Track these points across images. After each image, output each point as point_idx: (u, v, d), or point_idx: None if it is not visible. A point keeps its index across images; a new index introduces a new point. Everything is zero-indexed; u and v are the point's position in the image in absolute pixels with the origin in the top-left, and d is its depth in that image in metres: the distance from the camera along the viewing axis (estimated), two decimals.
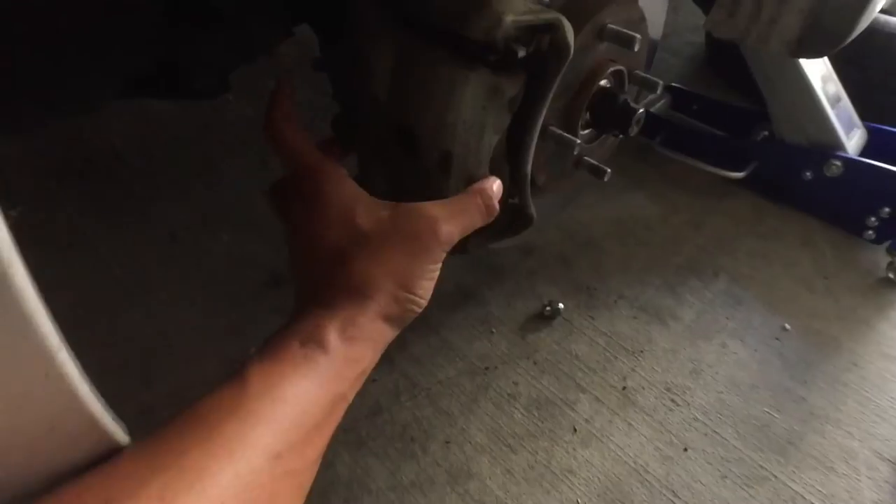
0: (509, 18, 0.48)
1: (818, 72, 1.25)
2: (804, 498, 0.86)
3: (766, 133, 1.35)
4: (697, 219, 1.29)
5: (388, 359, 0.96)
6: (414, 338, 1.00)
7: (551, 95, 0.53)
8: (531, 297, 1.08)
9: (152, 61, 0.75)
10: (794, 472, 0.88)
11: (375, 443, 0.87)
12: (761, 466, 0.89)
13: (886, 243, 1.20)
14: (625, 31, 0.58)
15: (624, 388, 0.97)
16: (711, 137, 1.46)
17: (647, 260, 1.18)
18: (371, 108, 0.54)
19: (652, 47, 0.80)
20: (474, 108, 0.50)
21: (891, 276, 1.18)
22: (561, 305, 1.05)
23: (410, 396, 0.93)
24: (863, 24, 0.97)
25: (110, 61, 0.71)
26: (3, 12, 0.49)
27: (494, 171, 0.55)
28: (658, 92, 0.69)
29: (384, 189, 0.56)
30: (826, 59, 1.28)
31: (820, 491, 0.86)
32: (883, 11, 1.63)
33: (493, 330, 1.03)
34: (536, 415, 0.92)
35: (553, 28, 0.49)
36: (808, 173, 1.27)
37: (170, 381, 0.92)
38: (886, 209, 1.20)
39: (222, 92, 0.81)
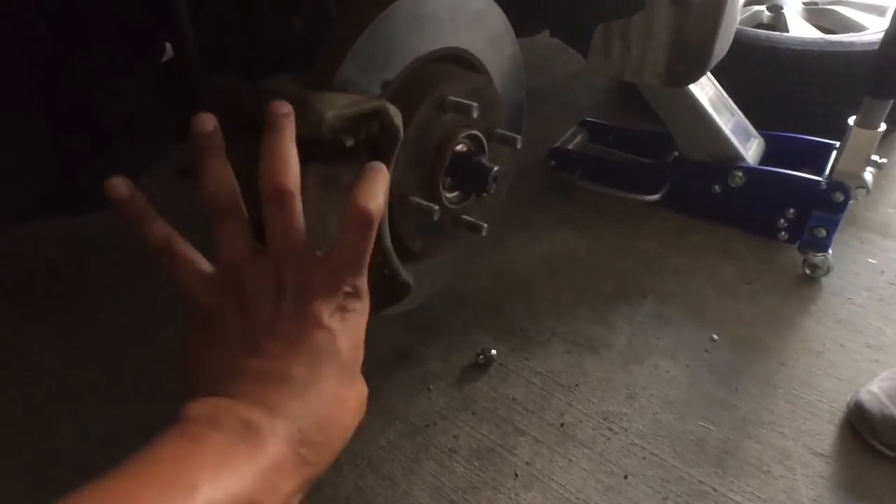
0: (331, 114, 0.52)
1: (707, 92, 1.33)
2: None
3: (677, 153, 1.42)
4: (623, 245, 1.34)
5: None
6: None
7: (391, 175, 0.57)
8: (467, 347, 1.11)
9: (48, 184, 0.79)
10: (732, 482, 0.90)
11: None
12: (701, 482, 0.90)
13: (798, 242, 1.25)
14: (463, 101, 0.64)
15: (562, 424, 0.99)
16: (626, 165, 1.53)
17: (576, 293, 1.22)
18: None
19: (517, 103, 0.86)
20: (314, 199, 0.54)
21: (807, 272, 1.23)
22: (494, 352, 1.08)
23: (352, 467, 0.94)
24: (720, 51, 1.05)
25: (2, 189, 0.75)
26: None
27: None
28: (518, 146, 0.74)
29: None
30: (712, 78, 1.37)
31: (759, 497, 0.88)
32: (766, 27, 1.75)
33: (431, 386, 1.05)
34: (478, 465, 0.93)
35: (379, 115, 0.54)
36: (716, 187, 1.34)
37: None
38: (791, 210, 1.26)
39: None
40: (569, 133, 1.61)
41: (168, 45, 0.81)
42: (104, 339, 1.14)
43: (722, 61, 1.10)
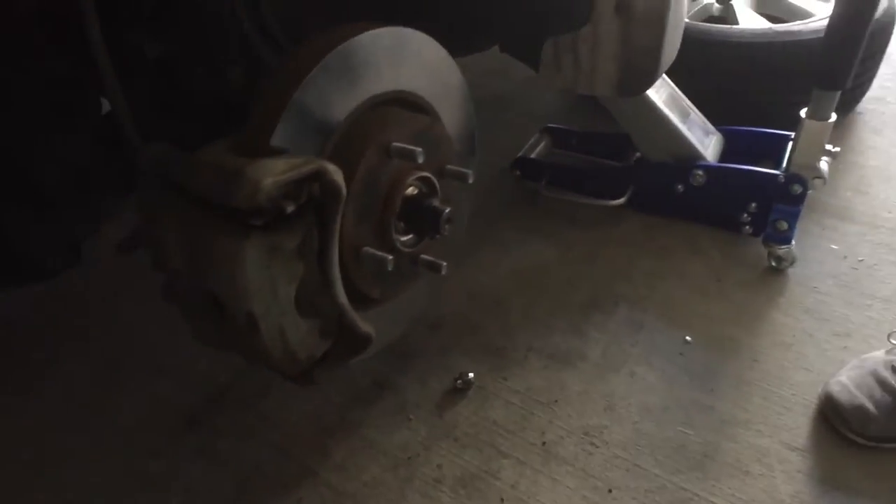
0: (268, 181, 0.52)
1: (662, 94, 1.34)
2: None
3: (639, 155, 1.43)
4: (593, 252, 1.35)
5: (312, 472, 0.97)
6: (334, 443, 1.01)
7: (336, 232, 0.57)
8: (444, 372, 1.11)
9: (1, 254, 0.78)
10: (713, 485, 0.91)
11: None
12: (683, 488, 0.91)
13: (762, 235, 1.27)
14: (407, 147, 0.63)
15: (544, 443, 0.99)
16: (590, 170, 1.54)
17: (549, 305, 1.23)
18: (177, 278, 0.58)
19: (469, 133, 0.86)
20: (259, 269, 0.54)
21: (773, 264, 1.25)
22: (471, 375, 1.08)
23: None
24: (669, 56, 1.07)
25: None
26: None
27: (309, 309, 0.59)
28: (470, 181, 0.74)
29: (218, 344, 0.59)
30: (667, 78, 1.38)
31: (740, 498, 0.90)
32: (716, 20, 1.77)
33: (411, 416, 1.05)
34: (463, 493, 0.93)
35: (319, 176, 0.54)
36: (679, 186, 1.35)
37: None
38: (753, 204, 1.28)
39: (76, 262, 0.84)
40: (532, 140, 1.61)
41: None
42: (66, 397, 1.12)
43: (675, 58, 1.11)
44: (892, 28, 1.57)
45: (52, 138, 0.72)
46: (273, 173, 0.52)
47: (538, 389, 1.07)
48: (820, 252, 1.29)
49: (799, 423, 0.98)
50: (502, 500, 0.92)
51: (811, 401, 1.01)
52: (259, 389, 1.10)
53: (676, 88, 1.39)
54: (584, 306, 1.23)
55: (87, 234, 0.82)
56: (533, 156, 1.56)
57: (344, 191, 0.55)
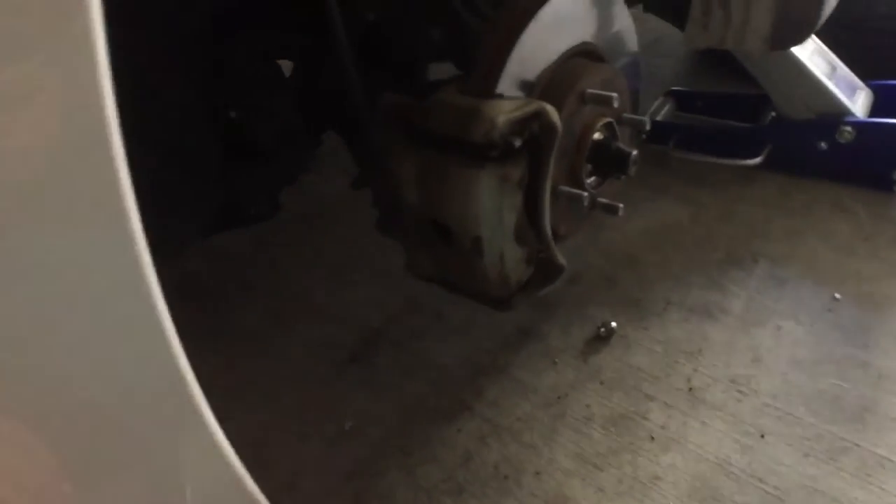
0: (501, 119, 0.58)
1: (807, 48, 1.31)
2: (892, 461, 0.89)
3: (774, 114, 1.40)
4: (726, 211, 1.34)
5: (468, 407, 1.05)
6: (487, 383, 1.09)
7: (551, 167, 0.63)
8: (585, 321, 1.16)
9: (219, 200, 0.90)
10: (875, 436, 0.91)
11: (473, 486, 0.96)
12: (842, 438, 0.92)
13: None
14: (603, 93, 0.68)
15: (690, 388, 1.02)
16: (721, 130, 1.52)
17: (685, 262, 1.24)
18: (407, 210, 0.65)
19: (635, 89, 0.90)
20: (490, 197, 0.60)
21: None
22: (614, 324, 1.12)
23: (496, 438, 1.01)
24: (829, 9, 1.04)
25: (187, 210, 0.85)
26: None
27: (521, 238, 0.65)
28: (647, 129, 0.77)
29: (431, 272, 0.67)
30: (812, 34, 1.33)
31: None
32: None
33: (557, 360, 1.11)
34: (614, 431, 0.98)
35: (540, 115, 0.59)
36: (822, 144, 1.32)
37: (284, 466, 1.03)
38: None
39: (275, 213, 0.95)
40: (656, 104, 1.61)
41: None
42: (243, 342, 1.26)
43: None
44: None
45: (266, 99, 0.83)
46: (504, 112, 0.58)
47: (680, 340, 1.10)
48: None
49: None
50: (653, 437, 0.96)
51: None
52: (412, 333, 1.20)
53: (821, 43, 1.35)
54: (721, 263, 1.23)
55: (285, 186, 0.93)
56: (658, 119, 1.56)
57: (559, 129, 0.60)
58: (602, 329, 1.12)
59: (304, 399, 1.11)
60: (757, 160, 1.37)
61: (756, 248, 1.24)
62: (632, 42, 0.85)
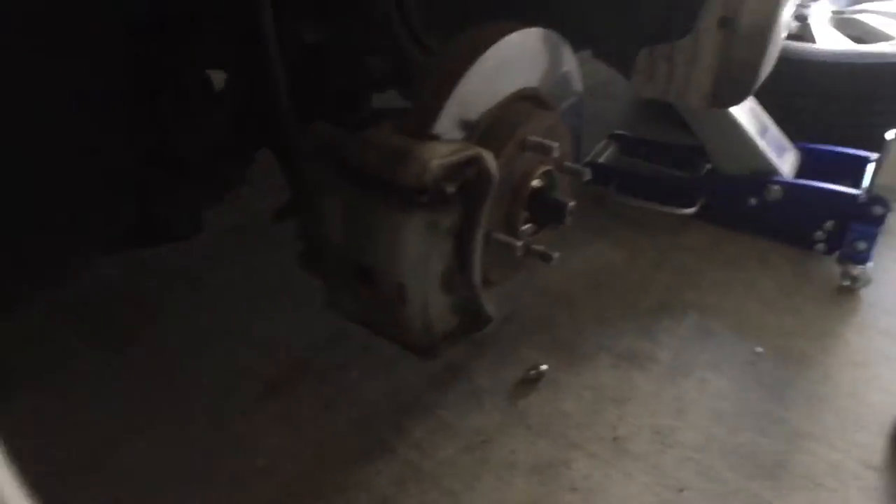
0: (434, 163, 0.55)
1: (743, 107, 1.35)
2: None
3: (710, 166, 1.45)
4: (660, 258, 1.36)
5: (390, 448, 1.01)
6: (411, 422, 1.05)
7: (484, 215, 0.60)
8: (516, 362, 1.14)
9: (132, 213, 0.83)
10: (787, 494, 0.93)
11: None
12: (756, 495, 0.93)
13: (837, 253, 1.28)
14: (544, 141, 0.67)
15: (615, 437, 1.01)
16: (659, 178, 1.56)
17: (619, 307, 1.25)
18: (330, 250, 0.61)
19: (577, 135, 0.89)
20: (417, 244, 0.57)
21: (846, 283, 1.26)
22: (544, 367, 1.11)
23: (415, 482, 0.96)
24: (766, 71, 1.08)
25: (93, 218, 0.78)
26: None
27: (448, 286, 0.62)
28: (586, 179, 0.77)
29: (353, 315, 0.63)
30: None
31: None
32: (793, 37, 1.77)
33: (484, 401, 1.08)
34: (536, 480, 0.96)
35: (476, 161, 0.57)
36: (752, 200, 1.36)
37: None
38: (830, 222, 1.28)
39: (198, 232, 0.89)
40: (600, 146, 1.63)
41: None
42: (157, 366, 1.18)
43: None
44: None
45: (198, 118, 0.77)
46: (439, 155, 0.56)
47: (609, 386, 1.10)
48: (894, 275, 1.29)
49: (874, 442, 0.99)
50: (574, 488, 0.95)
51: (886, 421, 1.01)
52: (337, 365, 1.15)
53: (757, 103, 1.40)
54: (653, 310, 1.24)
55: (211, 206, 0.87)
56: (601, 161, 1.58)
57: (496, 177, 0.58)
58: (532, 371, 1.10)
59: (214, 432, 1.04)
60: (691, 210, 1.41)
61: (687, 298, 1.27)
62: (576, 85, 0.85)
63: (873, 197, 1.21)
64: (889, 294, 1.24)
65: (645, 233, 1.44)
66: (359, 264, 0.60)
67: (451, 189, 0.56)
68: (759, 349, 1.15)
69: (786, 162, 1.38)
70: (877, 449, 0.98)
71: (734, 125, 1.31)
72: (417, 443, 1.03)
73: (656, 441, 1.01)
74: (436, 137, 0.60)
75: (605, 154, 1.62)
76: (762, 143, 1.34)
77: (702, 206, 1.41)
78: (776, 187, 1.32)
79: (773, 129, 1.40)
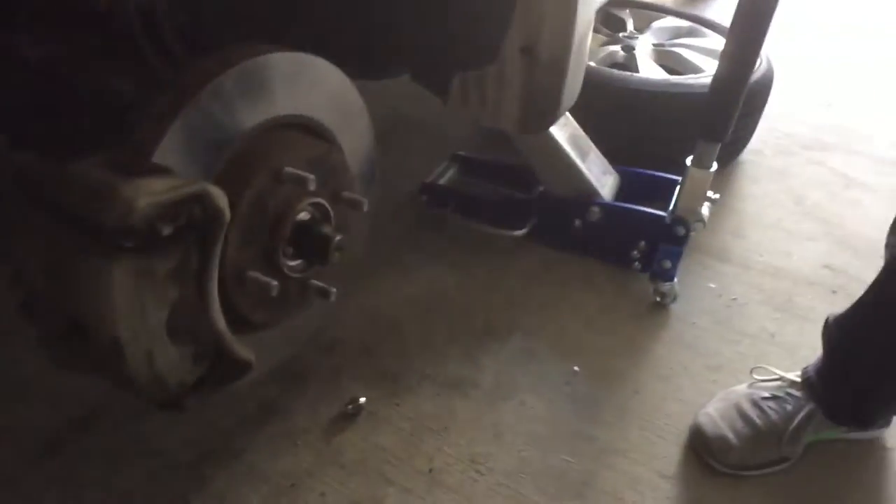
0: (142, 202, 0.49)
1: (566, 132, 1.41)
2: None
3: (542, 188, 1.49)
4: (492, 281, 1.38)
5: (185, 503, 0.92)
6: (214, 471, 0.97)
7: (217, 257, 0.55)
8: (335, 397, 1.09)
9: None
10: None
11: None
12: None
13: (649, 272, 1.35)
14: (299, 173, 0.63)
15: (430, 470, 0.99)
16: (495, 199, 1.58)
17: (447, 332, 1.24)
18: (35, 298, 0.53)
19: (369, 161, 0.87)
20: (126, 295, 0.51)
21: (657, 299, 1.33)
22: (363, 400, 1.07)
23: None
24: (569, 99, 1.12)
25: None
26: None
27: (178, 335, 0.56)
28: (364, 209, 0.74)
29: (83, 368, 0.55)
30: (570, 117, 1.45)
31: None
32: (620, 66, 1.89)
33: (299, 442, 1.02)
34: None
35: (201, 198, 0.52)
36: (577, 221, 1.41)
37: None
38: (642, 242, 1.36)
39: None
40: (441, 167, 1.64)
41: None
42: None
43: (578, 99, 1.16)
44: (768, 91, 1.73)
45: None
46: (150, 193, 0.49)
47: (429, 416, 1.08)
48: (699, 290, 1.39)
49: (671, 453, 1.04)
50: None
51: (683, 431, 1.07)
52: (136, 412, 1.03)
53: (579, 128, 1.46)
54: (480, 334, 1.25)
55: None
56: (441, 182, 1.59)
57: (227, 215, 0.53)
58: (350, 406, 1.06)
59: None
60: (522, 231, 1.44)
61: (512, 320, 1.28)
62: (362, 114, 0.82)
63: (675, 219, 1.30)
64: (693, 307, 1.33)
65: (481, 256, 1.45)
66: (68, 317, 0.53)
67: (167, 231, 0.51)
68: (577, 368, 1.18)
69: (606, 184, 1.45)
70: (673, 459, 1.03)
71: (557, 149, 1.36)
72: (220, 493, 0.95)
73: (471, 470, 1.00)
74: (163, 170, 0.54)
75: (447, 175, 1.62)
76: (583, 166, 1.39)
77: (533, 228, 1.45)
78: (596, 209, 1.38)
79: (595, 153, 1.47)
